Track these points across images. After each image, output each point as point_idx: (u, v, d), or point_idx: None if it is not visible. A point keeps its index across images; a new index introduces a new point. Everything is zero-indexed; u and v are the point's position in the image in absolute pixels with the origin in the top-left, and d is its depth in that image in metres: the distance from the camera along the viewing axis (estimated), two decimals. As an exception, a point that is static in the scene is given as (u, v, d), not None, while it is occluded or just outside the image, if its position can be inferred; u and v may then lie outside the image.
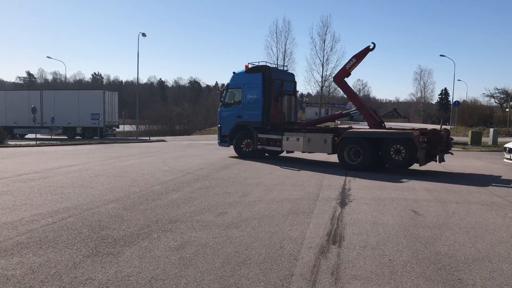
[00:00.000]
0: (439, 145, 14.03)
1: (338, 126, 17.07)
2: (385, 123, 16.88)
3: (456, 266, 5.10)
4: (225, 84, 18.36)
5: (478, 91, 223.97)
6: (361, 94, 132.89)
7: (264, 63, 17.49)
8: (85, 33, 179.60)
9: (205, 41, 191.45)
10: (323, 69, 74.59)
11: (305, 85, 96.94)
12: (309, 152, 16.21)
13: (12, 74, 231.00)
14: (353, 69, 16.30)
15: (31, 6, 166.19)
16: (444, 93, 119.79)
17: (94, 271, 4.68)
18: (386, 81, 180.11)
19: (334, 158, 16.54)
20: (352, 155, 14.57)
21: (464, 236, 6.39)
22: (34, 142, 26.38)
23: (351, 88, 17.16)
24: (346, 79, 16.67)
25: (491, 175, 13.76)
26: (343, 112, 18.17)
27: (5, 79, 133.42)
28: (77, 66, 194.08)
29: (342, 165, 14.77)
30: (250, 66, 17.47)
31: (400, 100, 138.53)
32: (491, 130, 28.44)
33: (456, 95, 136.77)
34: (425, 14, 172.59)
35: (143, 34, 34.28)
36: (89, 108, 35.95)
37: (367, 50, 16.03)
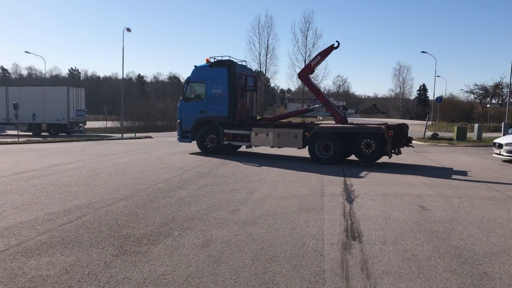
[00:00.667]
0: (403, 139, 15.04)
1: (305, 121, 17.61)
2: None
3: (477, 260, 5.26)
4: (185, 78, 18.01)
5: (457, 87, 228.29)
6: (341, 90, 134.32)
7: (227, 58, 17.27)
8: (63, 27, 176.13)
9: (185, 35, 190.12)
10: (305, 65, 75.19)
11: (288, 81, 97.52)
12: (278, 147, 16.60)
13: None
14: (317, 66, 17.22)
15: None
16: (423, 89, 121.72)
17: (128, 270, 4.69)
18: (365, 77, 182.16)
19: (299, 152, 16.79)
20: (321, 149, 15.18)
21: (476, 230, 6.59)
22: (17, 139, 25.83)
23: (315, 85, 17.85)
24: (310, 75, 17.56)
25: (483, 169, 14.11)
26: (309, 107, 18.72)
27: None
28: (55, 61, 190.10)
29: (313, 159, 15.29)
30: (212, 60, 17.30)
31: (378, 96, 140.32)
32: (476, 125, 29.09)
33: (436, 91, 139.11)
34: (405, 9, 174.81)
35: (128, 29, 33.83)
36: (53, 104, 35.40)
37: (331, 49, 16.56)
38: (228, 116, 16.84)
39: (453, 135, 29.72)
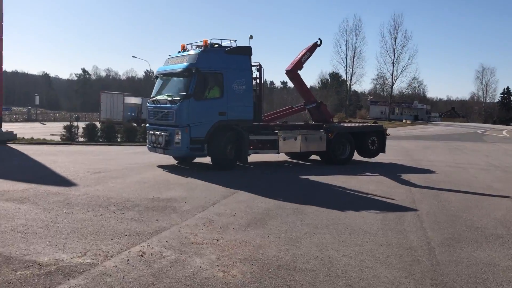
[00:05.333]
0: None
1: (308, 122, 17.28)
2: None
3: None
4: (185, 65, 12.69)
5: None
6: (415, 92, 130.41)
7: (209, 41, 13.15)
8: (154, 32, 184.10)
9: (268, 39, 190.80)
10: (393, 67, 74.69)
11: (374, 83, 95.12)
12: (302, 152, 15.16)
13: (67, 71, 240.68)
14: (305, 62, 16.18)
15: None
16: (507, 92, 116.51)
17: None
18: (438, 79, 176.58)
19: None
20: (338, 150, 15.32)
21: None
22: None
23: (305, 83, 16.95)
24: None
25: None
26: (307, 107, 16.72)
27: (60, 76, 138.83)
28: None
29: (333, 161, 15.08)
30: (189, 46, 13.68)
31: (452, 99, 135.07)
32: None
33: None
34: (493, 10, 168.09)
35: (251, 37, 35.49)
36: None
37: (316, 46, 16.30)
38: (254, 118, 13.74)
39: None
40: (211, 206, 8.17)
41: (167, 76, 13.96)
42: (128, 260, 5.16)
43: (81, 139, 22.48)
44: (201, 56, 12.64)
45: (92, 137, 22.29)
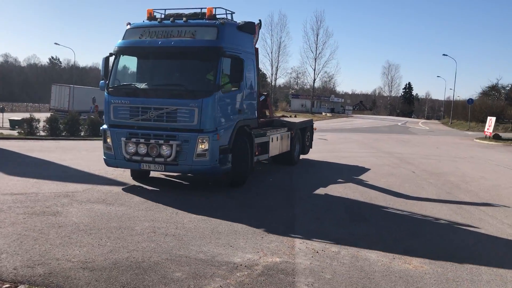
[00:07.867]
0: None
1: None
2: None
3: None
4: (204, 42, 8.79)
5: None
6: (326, 86, 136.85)
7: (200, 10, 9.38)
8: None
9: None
10: (315, 62, 78.09)
11: (299, 76, 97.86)
12: (276, 154, 12.19)
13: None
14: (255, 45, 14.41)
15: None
16: (408, 87, 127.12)
17: None
18: (344, 74, 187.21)
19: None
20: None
21: None
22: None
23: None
24: None
25: None
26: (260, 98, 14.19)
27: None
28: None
29: (292, 162, 13.44)
30: (160, 14, 9.64)
31: (356, 93, 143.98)
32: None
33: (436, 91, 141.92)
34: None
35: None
36: None
37: (259, 27, 13.17)
38: (257, 116, 10.95)
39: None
40: (301, 204, 8.50)
41: (155, 55, 9.23)
42: (312, 257, 5.41)
43: (42, 133, 20.99)
44: (223, 31, 8.81)
45: (54, 131, 20.92)
